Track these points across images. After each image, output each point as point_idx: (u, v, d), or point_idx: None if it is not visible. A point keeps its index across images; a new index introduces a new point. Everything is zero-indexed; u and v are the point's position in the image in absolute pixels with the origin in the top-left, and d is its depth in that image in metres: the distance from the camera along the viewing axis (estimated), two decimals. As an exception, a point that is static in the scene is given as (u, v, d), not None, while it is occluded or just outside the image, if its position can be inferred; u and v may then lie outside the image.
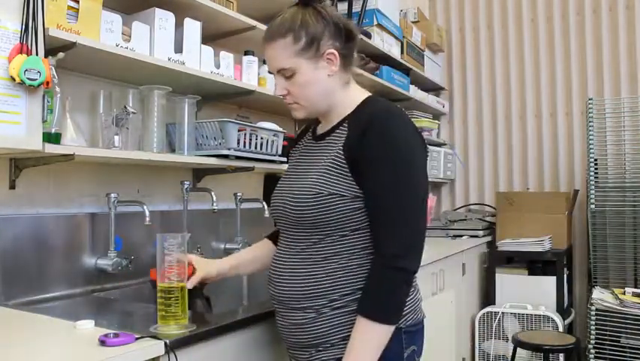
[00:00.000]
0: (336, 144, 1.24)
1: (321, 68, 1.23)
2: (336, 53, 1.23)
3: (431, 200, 3.65)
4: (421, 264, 1.20)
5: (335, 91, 1.26)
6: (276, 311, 1.31)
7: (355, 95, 1.29)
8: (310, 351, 1.25)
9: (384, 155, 1.17)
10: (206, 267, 1.45)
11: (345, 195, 1.18)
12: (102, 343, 1.08)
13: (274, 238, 1.47)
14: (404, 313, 1.21)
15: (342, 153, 1.21)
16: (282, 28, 1.22)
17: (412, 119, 1.25)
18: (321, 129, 1.34)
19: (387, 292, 1.15)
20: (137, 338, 1.11)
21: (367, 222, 1.20)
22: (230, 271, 1.49)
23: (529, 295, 3.11)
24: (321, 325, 1.22)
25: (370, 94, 1.31)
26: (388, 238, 1.16)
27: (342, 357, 1.17)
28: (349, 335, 1.17)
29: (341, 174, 1.19)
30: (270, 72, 1.33)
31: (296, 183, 1.27)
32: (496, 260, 3.27)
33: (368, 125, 1.19)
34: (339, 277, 1.21)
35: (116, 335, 1.10)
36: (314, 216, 1.20)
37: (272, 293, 1.30)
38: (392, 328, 1.16)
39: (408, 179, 1.17)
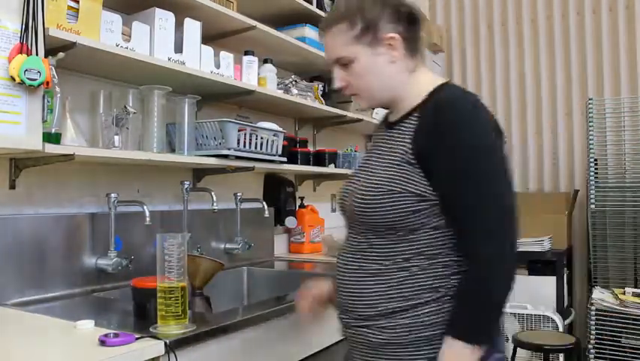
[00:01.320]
0: (405, 134, 1.12)
1: (381, 55, 1.14)
2: (397, 36, 1.13)
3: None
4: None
5: (399, 79, 1.16)
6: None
7: (426, 82, 1.16)
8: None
9: (460, 145, 1.05)
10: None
11: (411, 193, 1.07)
12: (102, 343, 1.08)
13: None
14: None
15: (411, 145, 1.09)
16: (336, 14, 1.15)
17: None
18: (392, 117, 1.21)
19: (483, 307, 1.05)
20: (137, 338, 1.11)
21: (433, 222, 1.08)
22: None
23: (529, 295, 3.10)
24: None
25: (445, 80, 1.17)
26: (484, 238, 1.04)
27: None
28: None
29: (408, 170, 1.08)
30: (328, 66, 1.22)
31: (364, 177, 1.17)
32: (496, 260, 3.26)
33: (440, 114, 1.08)
34: (402, 282, 1.10)
35: (116, 335, 1.10)
36: (376, 215, 1.10)
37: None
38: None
39: (490, 167, 1.07)
